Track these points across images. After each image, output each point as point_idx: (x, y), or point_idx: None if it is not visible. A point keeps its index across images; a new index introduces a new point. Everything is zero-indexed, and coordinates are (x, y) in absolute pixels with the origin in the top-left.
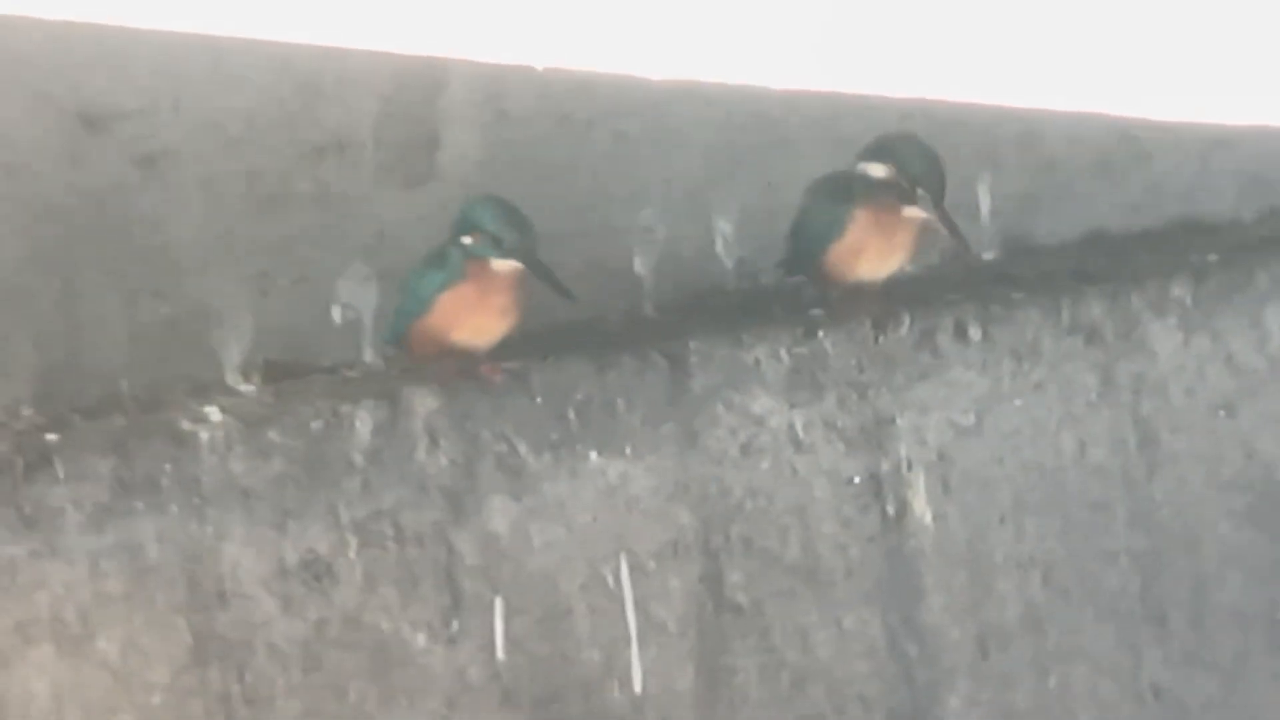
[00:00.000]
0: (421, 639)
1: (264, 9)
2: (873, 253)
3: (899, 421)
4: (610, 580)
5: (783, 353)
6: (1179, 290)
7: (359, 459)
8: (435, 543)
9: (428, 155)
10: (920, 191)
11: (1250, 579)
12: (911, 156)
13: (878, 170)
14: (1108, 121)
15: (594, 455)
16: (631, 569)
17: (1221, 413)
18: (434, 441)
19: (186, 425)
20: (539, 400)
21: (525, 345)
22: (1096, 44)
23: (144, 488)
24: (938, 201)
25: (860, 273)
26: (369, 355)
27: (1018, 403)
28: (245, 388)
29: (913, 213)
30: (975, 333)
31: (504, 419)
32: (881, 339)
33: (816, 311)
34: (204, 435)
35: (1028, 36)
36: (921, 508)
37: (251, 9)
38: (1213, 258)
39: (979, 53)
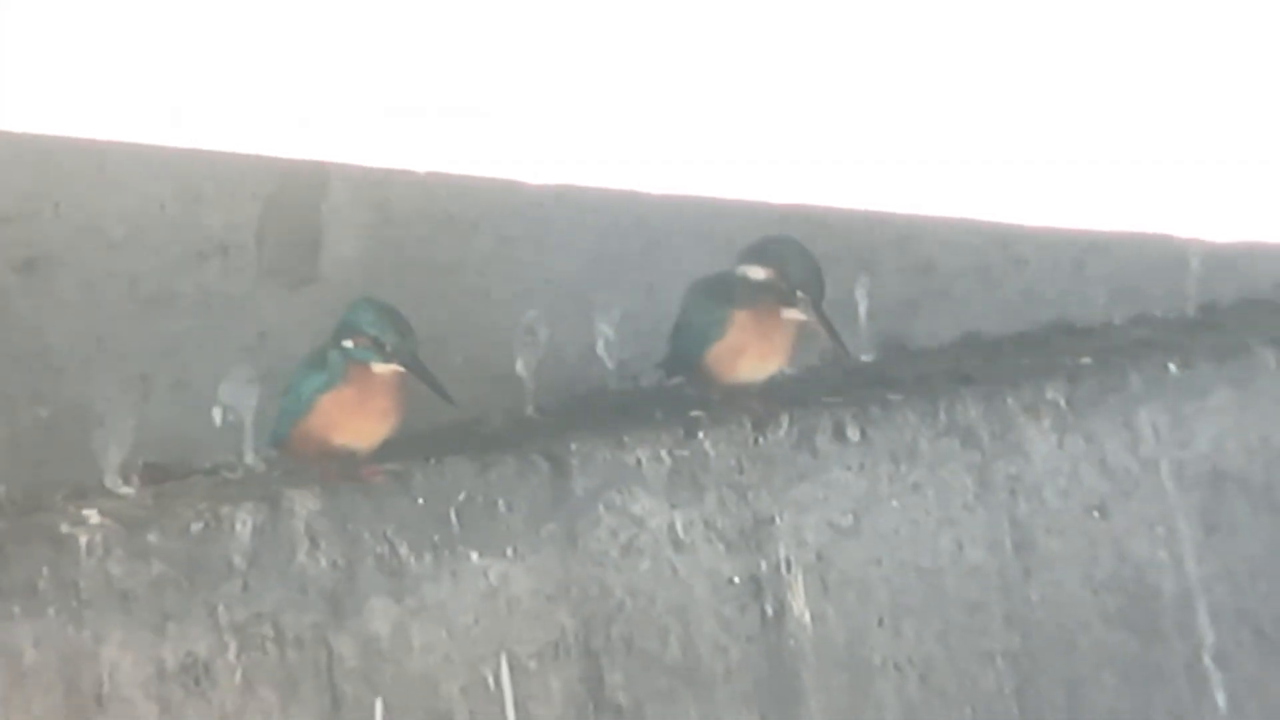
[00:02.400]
0: None
1: (145, 113)
2: (752, 354)
3: (778, 522)
4: (491, 681)
5: (664, 454)
6: (1053, 392)
7: (239, 561)
8: (315, 645)
9: (310, 257)
10: (800, 294)
11: (1124, 681)
12: (791, 259)
13: (757, 272)
14: (984, 227)
15: (475, 556)
16: (512, 670)
17: (1095, 514)
18: (315, 543)
19: (65, 528)
20: (420, 501)
21: (407, 446)
22: (972, 151)
23: (22, 591)
24: (817, 304)
25: (740, 373)
26: (250, 457)
27: (895, 504)
28: (125, 490)
29: (792, 315)
30: (854, 434)
31: (385, 520)
32: (761, 440)
33: (697, 413)
34: (83, 538)
35: (904, 143)
36: (800, 608)
37: (133, 113)
38: (1086, 360)
39: (856, 158)
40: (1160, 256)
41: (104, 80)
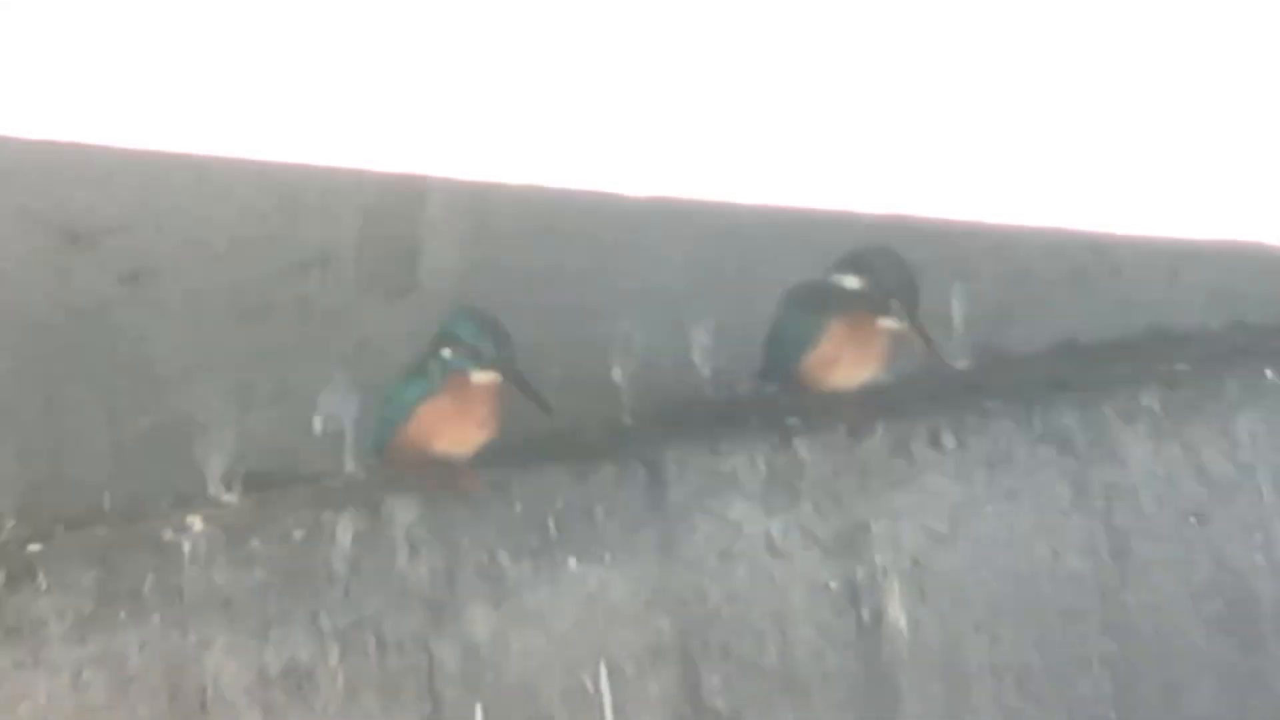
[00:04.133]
0: None
1: (247, 127)
2: (847, 362)
3: (874, 528)
4: (590, 686)
5: (759, 461)
6: (1149, 399)
7: (340, 568)
8: (416, 651)
9: (409, 267)
10: (894, 302)
11: (1221, 686)
12: (885, 268)
13: (852, 281)
14: (1079, 234)
15: (573, 562)
16: (611, 675)
17: (1192, 520)
18: (414, 550)
19: (169, 535)
20: (519, 508)
21: (505, 454)
22: (1068, 159)
23: (126, 598)
24: (911, 312)
25: (835, 381)
26: (350, 465)
27: (991, 510)
28: (227, 498)
29: (887, 323)
30: (949, 441)
31: (484, 527)
32: (857, 447)
33: (792, 420)
34: (186, 545)
35: (1001, 151)
36: (897, 614)
37: (235, 127)
38: (1182, 367)
39: (952, 167)
40: (1257, 263)
41: (208, 95)
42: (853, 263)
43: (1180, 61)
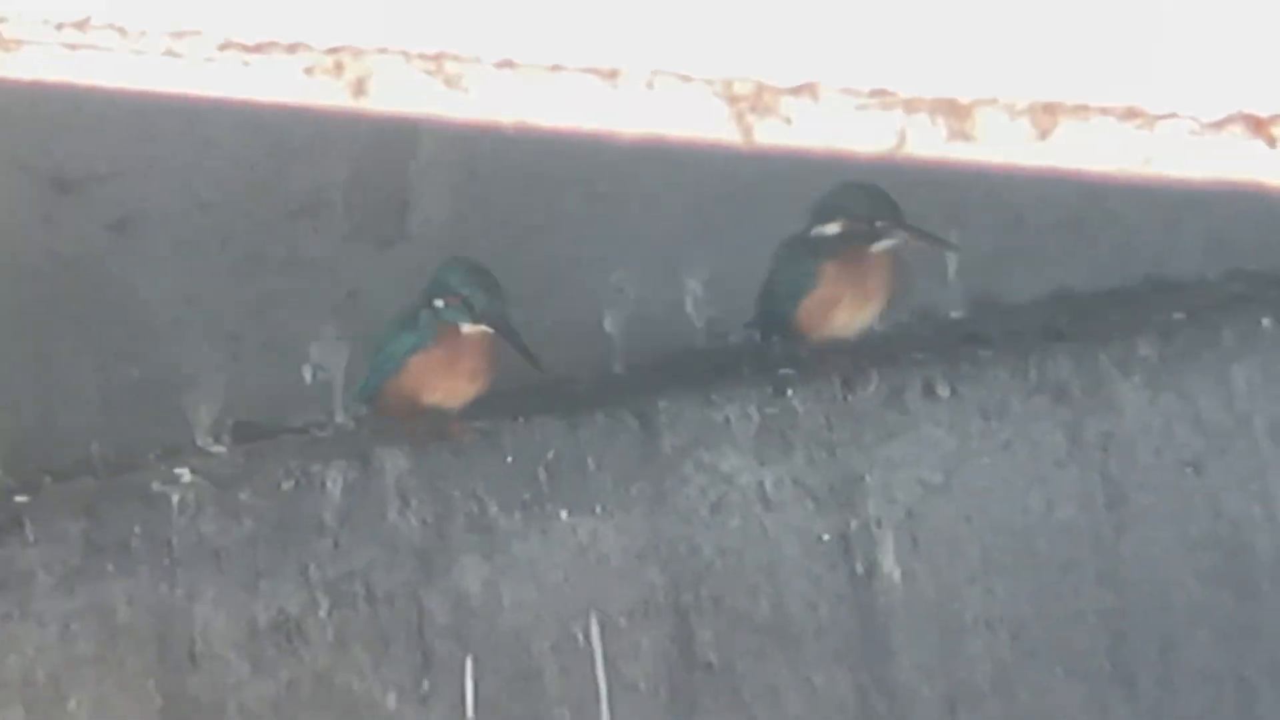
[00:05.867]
0: (392, 699)
1: (235, 71)
2: (848, 303)
3: (868, 479)
4: (581, 639)
5: (752, 411)
6: (1146, 348)
7: (330, 519)
8: (406, 602)
9: (399, 217)
10: (878, 223)
11: (1218, 638)
12: (852, 198)
13: (831, 228)
14: (1075, 180)
15: (565, 514)
16: (602, 627)
17: (1189, 470)
18: (405, 501)
19: (157, 487)
20: (510, 459)
21: (496, 404)
22: (1065, 99)
23: (115, 550)
24: (900, 222)
25: (836, 325)
26: (340, 416)
27: (986, 461)
28: (216, 449)
29: (882, 247)
30: (944, 391)
31: (475, 478)
32: (850, 397)
33: (785, 370)
34: (175, 497)
35: (994, 89)
36: (890, 566)
37: (223, 71)
38: (1179, 316)
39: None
40: (1255, 210)
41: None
42: (823, 212)
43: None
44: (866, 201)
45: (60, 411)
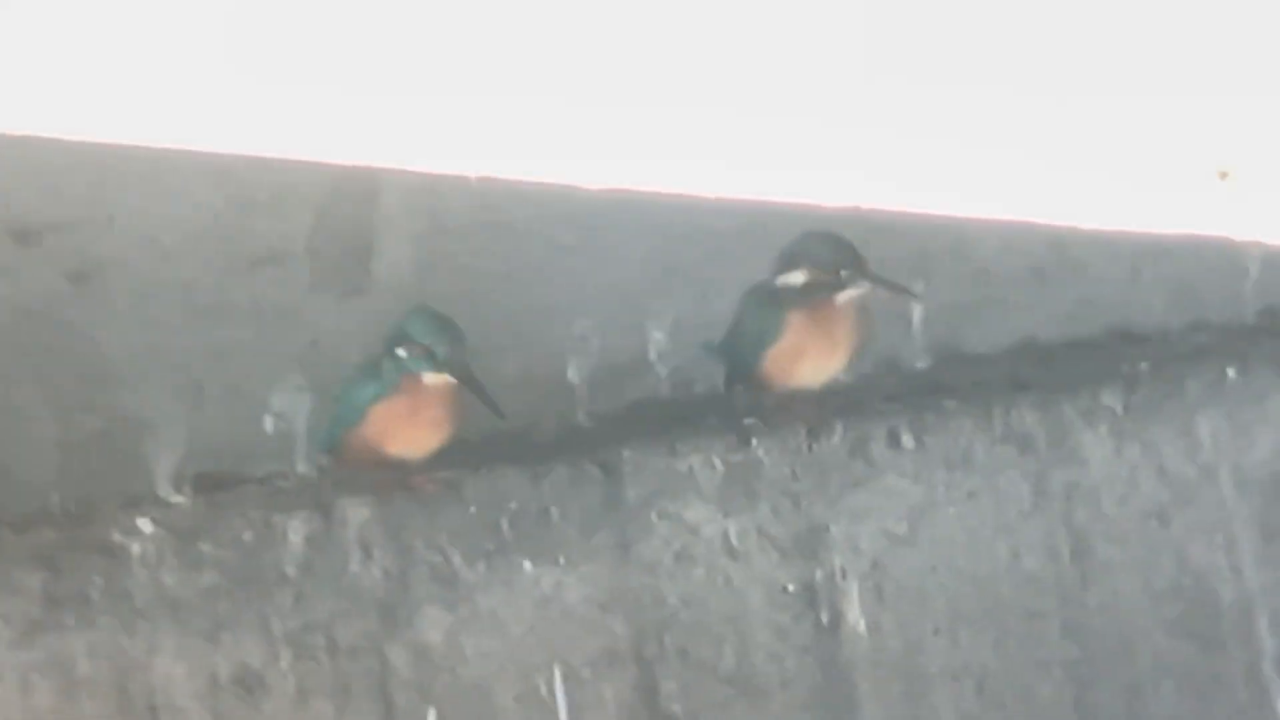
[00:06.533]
0: None
1: (198, 121)
2: (813, 353)
3: (833, 530)
4: (544, 690)
5: (717, 461)
6: (1110, 399)
7: (292, 570)
8: (369, 654)
9: (362, 265)
10: (843, 272)
11: (1183, 689)
12: (816, 248)
13: (795, 278)
14: (1040, 231)
15: (528, 565)
16: (565, 679)
17: (1154, 521)
18: (367, 552)
19: (118, 538)
20: (473, 510)
21: (459, 454)
22: (1028, 154)
23: (74, 601)
24: (862, 271)
25: (802, 375)
26: (302, 466)
27: (951, 511)
28: (177, 499)
29: (847, 296)
30: (909, 441)
31: (438, 529)
32: (815, 447)
33: (750, 420)
34: (135, 548)
35: (960, 146)
36: (856, 617)
37: (186, 121)
38: (1143, 366)
39: (911, 161)
40: (1219, 261)
41: (156, 87)
42: (787, 261)
43: (1145, 53)
44: (829, 249)
45: (20, 462)
